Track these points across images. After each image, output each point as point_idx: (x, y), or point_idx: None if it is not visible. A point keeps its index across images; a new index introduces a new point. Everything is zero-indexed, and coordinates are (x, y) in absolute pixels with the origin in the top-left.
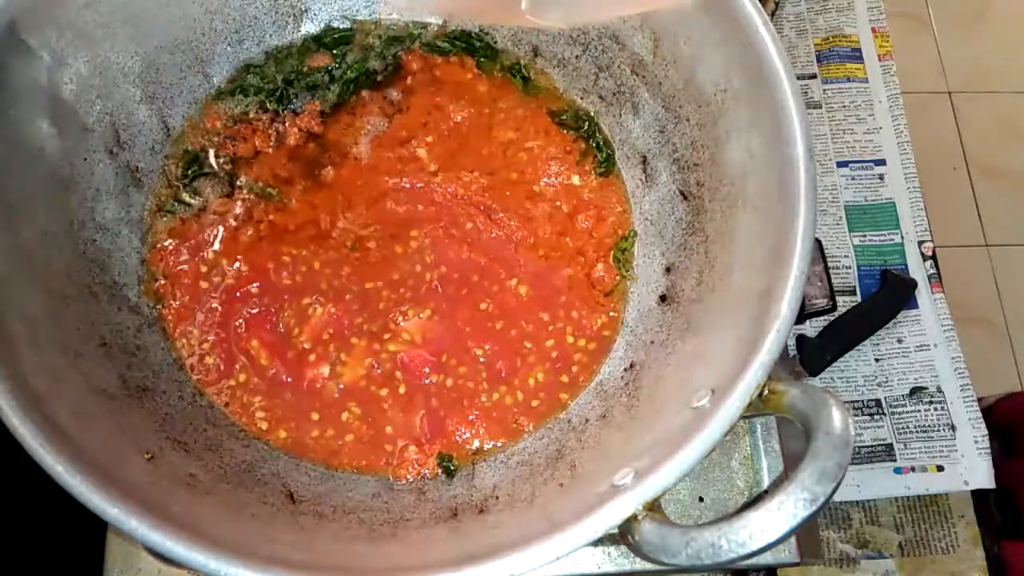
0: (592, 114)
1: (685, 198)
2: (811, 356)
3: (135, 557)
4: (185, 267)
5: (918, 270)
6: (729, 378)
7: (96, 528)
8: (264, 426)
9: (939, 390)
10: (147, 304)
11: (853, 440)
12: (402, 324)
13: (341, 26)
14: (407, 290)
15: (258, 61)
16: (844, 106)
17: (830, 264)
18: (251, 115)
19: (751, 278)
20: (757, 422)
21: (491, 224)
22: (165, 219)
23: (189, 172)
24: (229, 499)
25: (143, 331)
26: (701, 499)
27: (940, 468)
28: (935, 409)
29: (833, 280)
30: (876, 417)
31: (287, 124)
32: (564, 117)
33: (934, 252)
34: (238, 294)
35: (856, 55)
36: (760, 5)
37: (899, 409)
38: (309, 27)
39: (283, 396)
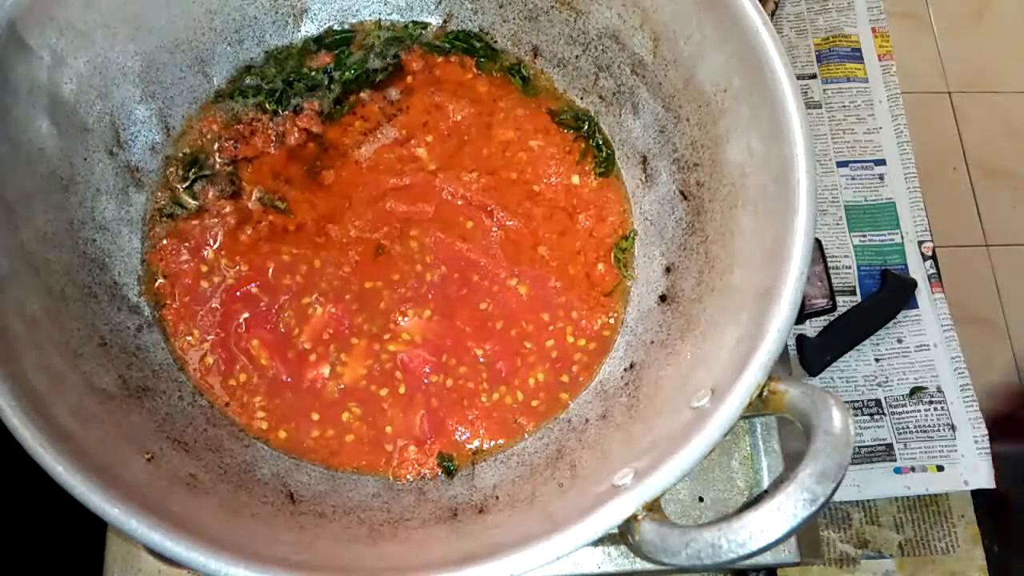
0: (592, 114)
1: (685, 198)
2: (811, 356)
3: (135, 557)
4: (185, 267)
5: (918, 270)
6: (729, 378)
7: (96, 528)
8: (264, 426)
9: (939, 390)
10: (147, 304)
11: (853, 440)
12: (402, 324)
13: (341, 26)
14: (407, 290)
15: (258, 61)
16: (844, 106)
17: (830, 264)
18: (251, 115)
19: (751, 278)
20: (757, 422)
21: (491, 224)
22: (165, 219)
23: (189, 173)
24: (229, 499)
25: (143, 331)
26: (701, 499)
27: (940, 468)
28: (935, 409)
29: (833, 280)
30: (876, 417)
31: (287, 124)
32: (564, 117)
33: (934, 252)
34: (238, 294)
35: (856, 55)
36: (760, 5)
37: (899, 409)
38: (309, 27)
39: (283, 396)
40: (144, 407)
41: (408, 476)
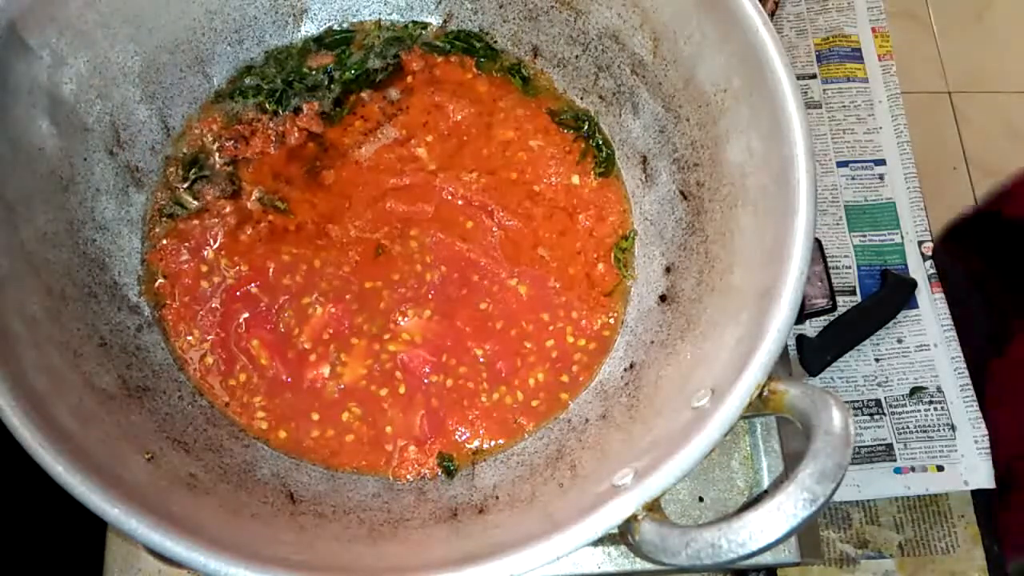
0: (592, 114)
1: (685, 198)
2: (811, 356)
3: (135, 557)
4: (185, 267)
5: (918, 270)
6: (729, 378)
7: (96, 528)
8: (264, 426)
9: (939, 390)
10: (147, 304)
11: (853, 440)
12: (402, 324)
13: (341, 26)
14: (407, 290)
15: (258, 62)
16: (844, 106)
17: (830, 264)
18: (251, 115)
19: (751, 278)
20: (757, 422)
21: (491, 224)
22: (165, 219)
23: (189, 173)
24: (229, 499)
25: (143, 331)
26: (701, 499)
27: (940, 468)
28: (935, 409)
29: (833, 280)
30: (876, 417)
31: (287, 124)
32: (564, 117)
33: (934, 252)
34: (238, 294)
35: (856, 55)
36: (760, 5)
37: (899, 409)
38: (309, 27)
39: (283, 396)
40: (144, 407)
41: (408, 476)
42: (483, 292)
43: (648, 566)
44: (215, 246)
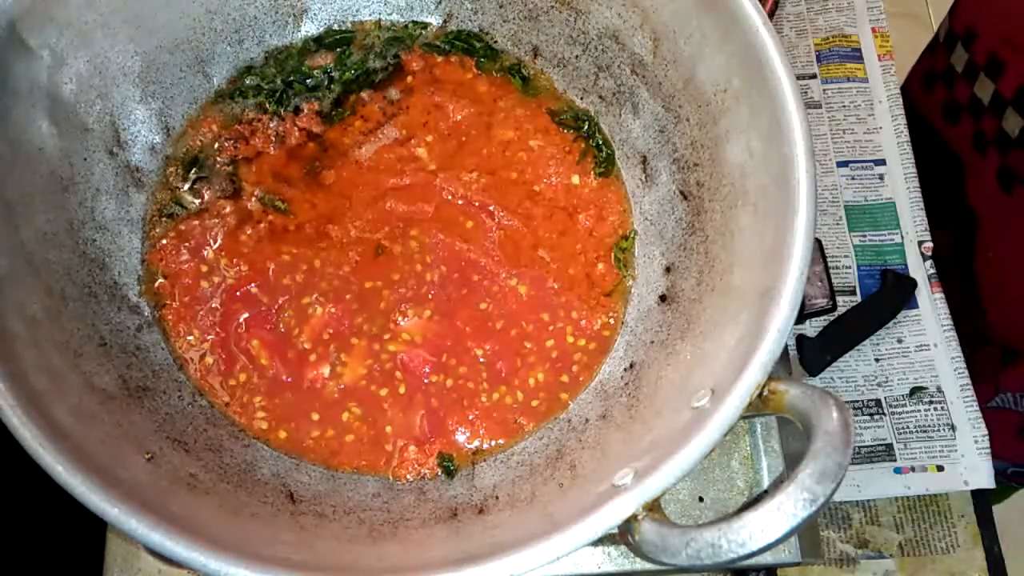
0: (592, 114)
1: (685, 198)
2: (811, 356)
3: (135, 557)
4: (185, 267)
5: (918, 270)
6: (729, 378)
7: (96, 528)
8: (264, 426)
9: (939, 390)
10: (147, 304)
11: (853, 440)
12: (402, 324)
13: (341, 26)
14: (407, 290)
15: (258, 61)
16: (844, 106)
17: (830, 264)
18: (251, 115)
19: (751, 278)
20: (757, 422)
21: (491, 224)
22: (165, 219)
23: (189, 173)
24: (229, 499)
25: (143, 331)
26: (701, 499)
27: (940, 468)
28: (935, 409)
29: (833, 280)
30: (876, 417)
31: (287, 124)
32: (564, 117)
33: (934, 252)
34: (238, 294)
35: (856, 55)
36: (760, 5)
37: (899, 409)
38: (309, 27)
39: (283, 396)
40: (144, 407)
41: (408, 476)
42: (483, 292)
43: (648, 566)
44: (215, 246)
